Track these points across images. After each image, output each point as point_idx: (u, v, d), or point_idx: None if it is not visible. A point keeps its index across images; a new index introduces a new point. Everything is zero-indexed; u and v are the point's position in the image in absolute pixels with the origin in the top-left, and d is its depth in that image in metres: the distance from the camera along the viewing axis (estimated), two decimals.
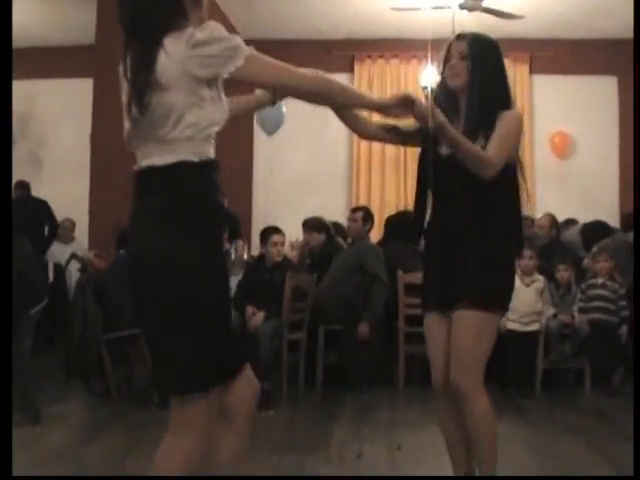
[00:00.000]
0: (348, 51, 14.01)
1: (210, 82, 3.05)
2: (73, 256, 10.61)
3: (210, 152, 3.17)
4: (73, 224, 11.55)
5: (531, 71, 13.80)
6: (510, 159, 3.87)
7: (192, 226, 3.01)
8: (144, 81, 2.98)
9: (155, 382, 3.16)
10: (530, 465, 5.51)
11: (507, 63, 12.41)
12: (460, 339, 3.92)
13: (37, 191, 11.91)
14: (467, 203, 3.89)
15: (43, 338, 9.73)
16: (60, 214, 11.41)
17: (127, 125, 3.12)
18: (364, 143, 13.90)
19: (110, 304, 7.51)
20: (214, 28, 3.02)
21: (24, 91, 13.07)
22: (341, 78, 14.01)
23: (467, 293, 3.88)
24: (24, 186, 11.12)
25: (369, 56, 14.10)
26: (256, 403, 3.28)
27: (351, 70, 14.15)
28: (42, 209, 11.08)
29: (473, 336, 3.91)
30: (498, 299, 3.97)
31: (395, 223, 9.18)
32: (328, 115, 12.24)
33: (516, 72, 13.64)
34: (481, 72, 3.93)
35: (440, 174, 3.93)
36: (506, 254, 4.00)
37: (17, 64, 13.65)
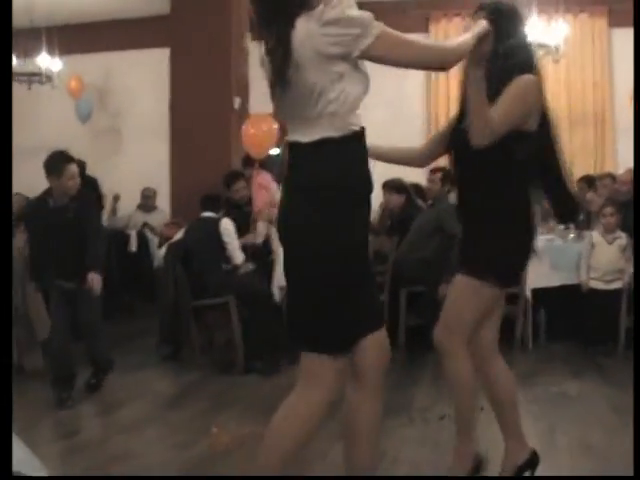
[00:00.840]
0: (423, 10, 13.89)
1: (345, 57, 3.15)
2: (145, 225, 10.77)
3: (354, 123, 3.33)
4: (154, 192, 11.67)
5: (610, 24, 13.56)
6: (523, 139, 3.94)
7: (337, 201, 3.20)
8: (282, 61, 3.15)
9: (289, 333, 3.31)
10: (614, 423, 5.51)
11: (585, 18, 12.26)
12: (449, 299, 4.28)
13: (117, 161, 12.08)
14: (481, 187, 4.08)
15: (124, 305, 9.92)
16: (141, 183, 11.56)
17: (274, 103, 3.34)
18: (442, 99, 13.86)
19: (195, 272, 7.63)
20: (345, 6, 3.09)
21: (101, 64, 13.26)
22: (417, 38, 14.02)
23: (465, 260, 4.20)
24: (80, 165, 11.18)
25: (445, 15, 13.96)
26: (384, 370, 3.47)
27: (426, 30, 14.04)
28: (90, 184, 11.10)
29: (459, 298, 4.21)
30: (491, 270, 4.09)
31: None
32: (405, 74, 12.16)
33: (594, 26, 13.43)
34: (499, 40, 3.84)
35: (465, 163, 4.16)
36: (513, 233, 4.12)
37: (93, 38, 13.89)
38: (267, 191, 9.02)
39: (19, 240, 7.36)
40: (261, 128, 9.02)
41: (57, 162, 6.44)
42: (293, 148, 3.28)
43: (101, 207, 11.02)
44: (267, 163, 9.46)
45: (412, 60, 3.45)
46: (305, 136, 3.22)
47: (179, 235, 8.07)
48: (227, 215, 8.05)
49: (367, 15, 3.13)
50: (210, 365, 7.67)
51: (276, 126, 8.87)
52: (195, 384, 7.09)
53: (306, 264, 3.24)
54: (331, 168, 3.21)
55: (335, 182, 3.20)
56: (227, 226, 7.78)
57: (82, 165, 10.94)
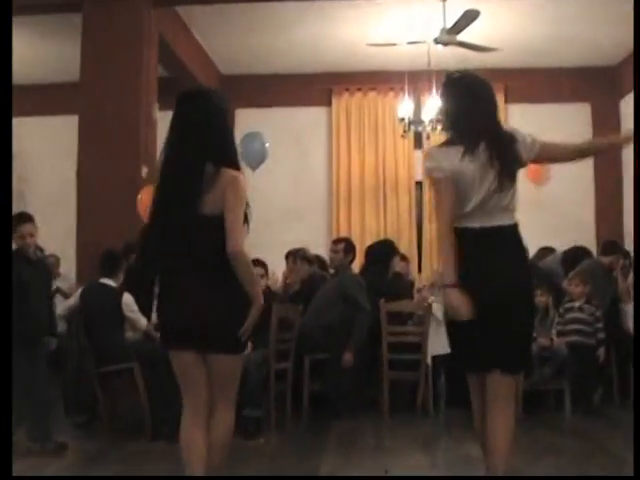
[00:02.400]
0: (326, 84, 14.22)
1: None
2: (57, 290, 10.69)
3: None
4: (58, 260, 11.61)
5: (506, 100, 14.03)
6: None
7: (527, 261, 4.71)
8: (510, 170, 4.31)
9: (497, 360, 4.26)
10: None
11: None
12: None
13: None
14: None
15: None
16: (46, 249, 11.49)
17: (477, 197, 4.27)
18: (343, 174, 14.13)
19: (98, 338, 7.62)
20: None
21: None
22: (320, 111, 14.33)
23: None
24: None
25: (347, 89, 14.32)
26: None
27: (329, 103, 14.37)
28: None
29: None
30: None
31: (376, 251, 9.36)
32: (307, 147, 12.45)
33: None
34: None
35: None
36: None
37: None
38: None
39: None
40: None
41: None
42: (493, 231, 4.32)
43: None
44: None
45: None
46: (505, 220, 4.35)
47: (72, 300, 8.08)
48: (125, 283, 8.07)
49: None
50: (118, 432, 7.64)
51: None
52: (103, 451, 7.05)
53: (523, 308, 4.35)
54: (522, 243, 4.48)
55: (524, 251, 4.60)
56: (128, 302, 7.76)
57: None
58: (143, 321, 7.75)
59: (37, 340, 6.81)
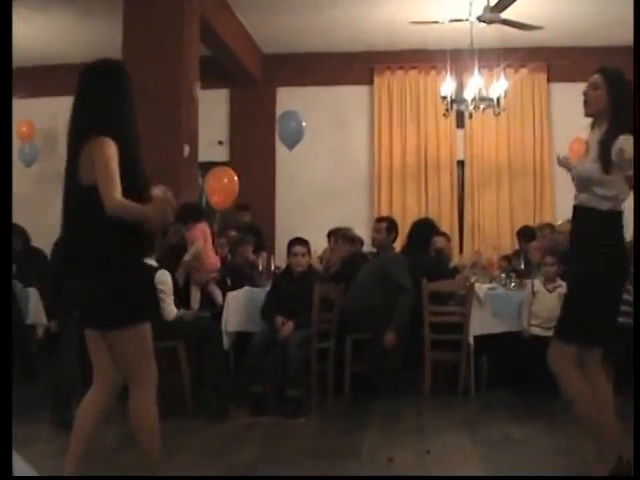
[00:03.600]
0: (368, 63, 14.18)
1: None
2: None
3: None
4: None
5: (549, 79, 13.93)
6: None
7: None
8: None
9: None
10: (557, 465, 5.64)
11: (525, 73, 12.67)
12: None
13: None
14: None
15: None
16: None
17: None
18: (384, 153, 14.09)
19: None
20: None
21: (48, 108, 13.27)
22: (361, 90, 14.29)
23: None
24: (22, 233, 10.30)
25: (388, 67, 14.27)
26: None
27: (371, 82, 14.33)
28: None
29: None
30: None
31: (418, 231, 9.32)
32: (348, 126, 12.51)
33: (534, 81, 13.79)
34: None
35: None
36: None
37: (41, 82, 13.94)
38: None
39: None
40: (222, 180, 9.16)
41: None
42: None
43: None
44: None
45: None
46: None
47: None
48: (162, 260, 8.05)
49: None
50: (159, 407, 7.65)
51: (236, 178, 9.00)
52: None
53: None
54: None
55: None
56: (163, 278, 7.58)
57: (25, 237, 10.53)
58: (171, 310, 7.60)
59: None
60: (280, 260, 10.29)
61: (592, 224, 4.87)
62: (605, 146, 4.75)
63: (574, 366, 4.87)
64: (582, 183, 4.90)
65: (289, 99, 13.92)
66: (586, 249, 4.88)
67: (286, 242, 8.45)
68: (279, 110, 13.55)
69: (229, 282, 8.95)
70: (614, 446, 4.74)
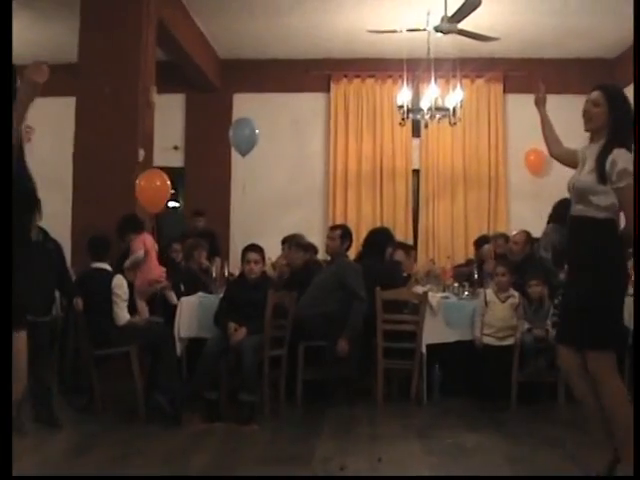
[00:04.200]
0: (325, 70, 14.21)
1: None
2: None
3: None
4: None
5: (505, 90, 14.05)
6: None
7: None
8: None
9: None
10: (509, 473, 5.68)
11: (481, 83, 12.75)
12: None
13: None
14: None
15: None
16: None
17: None
18: (340, 161, 14.13)
19: (96, 321, 7.59)
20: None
21: None
22: (318, 97, 14.31)
23: None
24: None
25: (345, 75, 14.33)
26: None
27: (327, 89, 14.37)
28: None
29: None
30: None
31: (373, 239, 9.35)
32: (304, 133, 12.50)
33: (490, 91, 13.90)
34: None
35: None
36: None
37: None
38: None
39: None
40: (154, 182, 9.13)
41: None
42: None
43: None
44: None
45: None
46: None
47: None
48: (118, 265, 8.02)
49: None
50: (112, 415, 7.64)
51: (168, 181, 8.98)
52: (97, 433, 7.05)
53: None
54: None
55: None
56: (118, 282, 7.67)
57: None
58: (123, 315, 7.64)
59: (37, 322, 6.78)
60: (234, 266, 10.26)
61: (589, 232, 5.13)
62: (602, 158, 5.02)
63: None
64: (579, 193, 5.17)
65: (246, 105, 13.92)
66: (589, 258, 5.12)
67: (240, 248, 8.42)
68: (236, 116, 13.55)
69: (182, 288, 8.93)
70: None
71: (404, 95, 11.51)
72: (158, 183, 9.13)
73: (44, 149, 13.05)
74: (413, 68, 11.77)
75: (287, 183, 14.18)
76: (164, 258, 9.36)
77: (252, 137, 11.79)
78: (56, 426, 6.97)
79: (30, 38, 12.81)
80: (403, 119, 11.65)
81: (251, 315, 7.69)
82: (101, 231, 8.27)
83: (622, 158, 4.97)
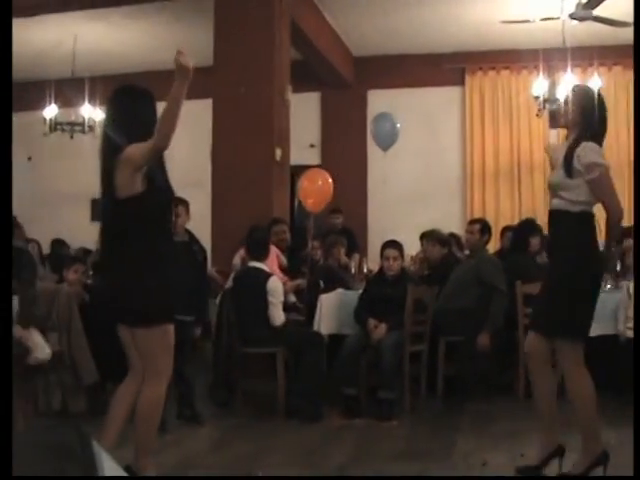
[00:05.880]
0: (458, 64, 14.09)
1: None
2: None
3: None
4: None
5: None
6: None
7: None
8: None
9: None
10: None
11: (619, 70, 12.41)
12: None
13: None
14: None
15: None
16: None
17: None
18: (477, 155, 14.01)
19: (247, 319, 7.71)
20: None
21: None
22: (452, 91, 14.22)
23: None
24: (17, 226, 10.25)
25: (480, 68, 14.17)
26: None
27: (462, 83, 14.23)
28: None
29: None
30: None
31: (514, 234, 9.27)
32: (439, 128, 12.44)
33: (629, 79, 13.57)
34: None
35: None
36: None
37: None
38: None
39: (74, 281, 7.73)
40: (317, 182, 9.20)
41: None
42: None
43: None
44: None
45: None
46: None
47: (229, 283, 8.12)
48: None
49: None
50: (253, 410, 7.76)
51: (331, 180, 9.04)
52: (237, 428, 7.17)
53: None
54: None
55: None
56: (274, 286, 7.73)
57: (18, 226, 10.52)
58: (279, 316, 7.73)
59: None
60: (372, 262, 10.28)
61: (563, 225, 5.23)
62: (568, 154, 5.15)
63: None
64: (552, 189, 5.36)
65: (380, 101, 13.92)
66: (563, 250, 5.22)
67: (378, 244, 8.45)
68: (370, 112, 13.56)
69: (322, 284, 8.97)
70: (596, 440, 5.25)
71: (540, 86, 11.35)
72: (320, 182, 9.19)
73: (182, 151, 13.32)
74: (548, 58, 11.60)
75: (423, 178, 14.12)
76: (303, 256, 9.44)
77: (393, 132, 11.80)
78: (198, 422, 7.10)
79: (166, 43, 13.05)
80: (540, 110, 11.50)
81: (390, 311, 7.70)
82: (262, 231, 8.40)
83: (587, 151, 5.11)
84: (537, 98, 11.34)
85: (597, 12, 10.02)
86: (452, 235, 9.99)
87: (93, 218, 15.25)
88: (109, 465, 2.58)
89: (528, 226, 9.37)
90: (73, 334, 7.21)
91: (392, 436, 6.84)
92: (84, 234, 12.71)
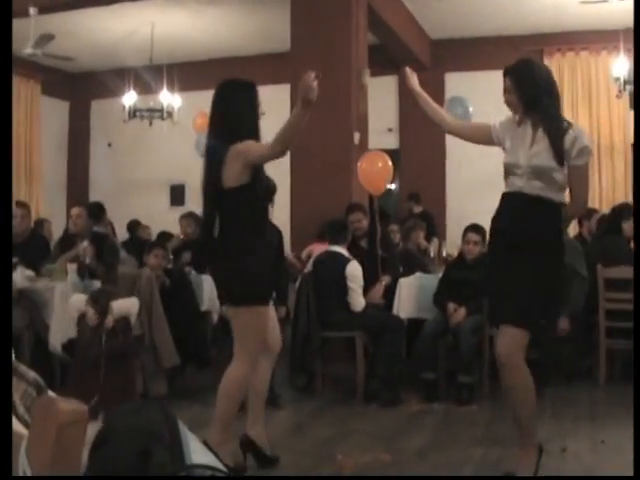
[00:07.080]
0: (537, 45, 13.92)
1: None
2: None
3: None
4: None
5: None
6: None
7: None
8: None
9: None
10: None
11: None
12: None
13: None
14: None
15: None
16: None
17: None
18: None
19: (326, 303, 7.75)
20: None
21: None
22: None
23: None
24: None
25: (559, 49, 14.00)
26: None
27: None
28: None
29: None
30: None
31: (610, 217, 9.18)
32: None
33: None
34: None
35: None
36: None
37: (212, 75, 14.25)
38: None
39: (155, 265, 7.81)
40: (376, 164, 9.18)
41: None
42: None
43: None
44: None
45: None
46: None
47: (309, 267, 8.16)
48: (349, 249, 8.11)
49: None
50: (332, 394, 7.80)
51: (390, 163, 9.03)
52: (316, 412, 7.22)
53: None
54: None
55: None
56: (354, 271, 7.75)
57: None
58: (360, 302, 7.78)
59: None
60: (451, 246, 10.25)
61: (543, 213, 4.97)
62: (555, 136, 4.89)
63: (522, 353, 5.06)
64: (538, 172, 4.96)
65: (457, 84, 13.85)
66: (537, 240, 4.94)
67: (456, 229, 8.41)
68: (448, 95, 13.49)
69: (401, 269, 8.96)
70: (534, 436, 5.11)
71: (620, 67, 11.21)
72: (380, 165, 9.17)
73: (264, 135, 13.40)
74: (629, 38, 11.43)
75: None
76: (383, 240, 9.43)
77: (466, 115, 11.72)
78: (277, 406, 7.15)
79: (244, 30, 13.19)
80: (620, 91, 11.35)
81: (470, 295, 7.68)
82: (339, 216, 8.43)
83: (583, 135, 4.95)
84: (617, 79, 11.20)
85: None
86: None
87: (172, 203, 15.44)
88: (195, 446, 2.64)
89: (624, 210, 9.20)
90: (154, 318, 7.32)
91: (471, 421, 6.82)
92: (164, 219, 12.89)
